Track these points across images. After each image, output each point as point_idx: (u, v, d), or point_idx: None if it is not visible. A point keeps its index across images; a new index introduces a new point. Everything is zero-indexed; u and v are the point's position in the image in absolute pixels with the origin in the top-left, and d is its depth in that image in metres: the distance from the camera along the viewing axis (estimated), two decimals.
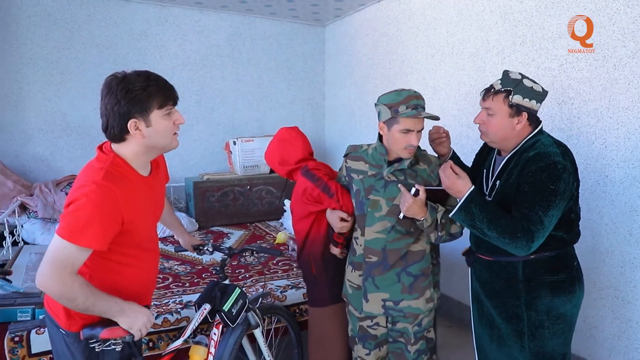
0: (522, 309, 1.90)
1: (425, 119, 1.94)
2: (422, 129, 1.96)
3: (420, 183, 1.97)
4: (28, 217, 3.95)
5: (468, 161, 3.38)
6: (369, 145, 2.19)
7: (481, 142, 2.34)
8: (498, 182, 1.91)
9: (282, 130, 2.55)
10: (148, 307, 1.92)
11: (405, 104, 1.90)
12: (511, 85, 1.81)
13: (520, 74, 1.85)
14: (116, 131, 1.57)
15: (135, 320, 1.61)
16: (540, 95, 1.84)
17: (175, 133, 1.68)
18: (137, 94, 1.54)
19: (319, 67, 5.87)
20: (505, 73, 1.86)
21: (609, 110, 2.64)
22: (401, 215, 1.94)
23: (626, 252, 2.63)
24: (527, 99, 1.81)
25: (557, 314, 1.88)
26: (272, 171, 2.70)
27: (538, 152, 1.78)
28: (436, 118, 1.92)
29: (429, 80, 3.96)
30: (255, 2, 4.75)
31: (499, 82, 1.86)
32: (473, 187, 1.81)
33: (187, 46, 5.03)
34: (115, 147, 1.64)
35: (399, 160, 2.02)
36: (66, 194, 4.06)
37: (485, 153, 2.17)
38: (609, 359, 2.76)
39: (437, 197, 1.98)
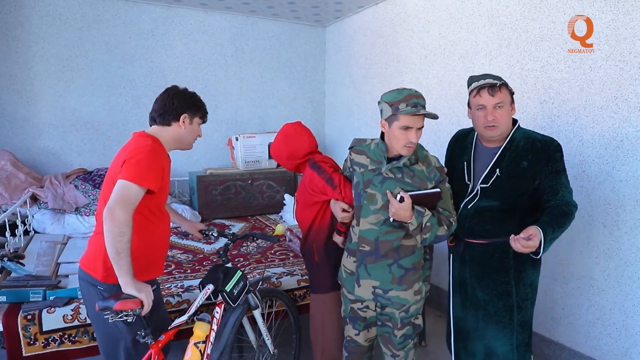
0: (511, 284, 2.14)
1: (426, 118, 2.03)
2: (422, 127, 2.03)
3: (417, 182, 2.08)
4: (39, 208, 4.12)
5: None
6: (372, 140, 2.26)
7: None
8: (498, 170, 2.10)
9: (287, 125, 2.63)
10: (155, 281, 2.23)
11: (406, 102, 1.97)
12: (499, 79, 2.07)
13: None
14: (170, 117, 2.14)
15: (143, 292, 1.86)
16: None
17: (195, 139, 2.27)
18: (197, 101, 2.23)
19: (320, 67, 6.03)
20: (483, 74, 2.11)
21: (586, 109, 2.80)
22: (391, 219, 2.06)
23: (601, 242, 2.79)
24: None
25: (534, 285, 2.18)
26: (278, 166, 2.80)
27: (532, 139, 2.09)
28: (435, 116, 1.99)
29: (422, 80, 4.13)
30: (257, 4, 4.92)
31: (491, 79, 2.06)
32: (538, 228, 1.92)
33: (192, 45, 5.20)
34: (156, 129, 2.16)
35: (399, 157, 2.10)
36: (75, 186, 4.27)
37: (460, 144, 2.36)
38: (585, 344, 2.92)
39: (430, 200, 2.06)
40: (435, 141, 3.97)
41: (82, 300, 2.57)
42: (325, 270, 2.55)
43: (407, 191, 2.01)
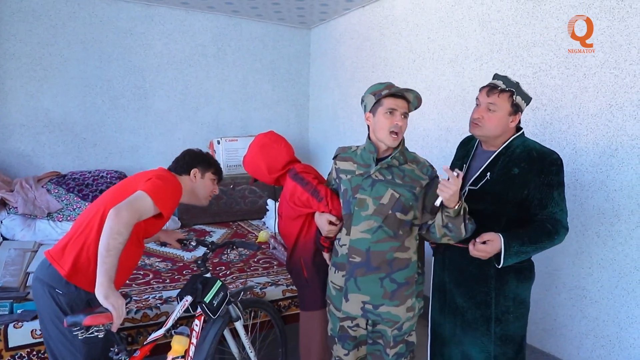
0: (491, 295, 2.03)
1: (409, 112, 2.02)
2: (407, 113, 2.00)
3: (408, 183, 2.01)
4: (8, 213, 3.92)
5: (446, 163, 3.48)
6: (357, 146, 2.22)
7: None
8: (489, 174, 2.04)
9: (260, 136, 2.50)
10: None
11: (388, 89, 1.99)
12: (513, 86, 1.98)
13: (516, 79, 2.05)
14: (182, 169, 2.29)
15: (114, 303, 1.75)
16: (529, 99, 2.05)
17: (210, 196, 2.39)
18: (207, 158, 2.38)
19: (304, 69, 5.93)
20: (504, 76, 2.03)
21: (579, 117, 2.75)
22: (438, 202, 1.87)
23: (594, 253, 2.73)
24: (523, 101, 2.01)
25: (520, 300, 2.05)
26: (255, 181, 2.65)
27: (529, 148, 2.00)
28: (418, 95, 2.01)
29: (410, 85, 4.04)
30: (241, 4, 4.79)
31: (501, 82, 2.00)
32: (500, 236, 1.90)
33: (172, 45, 5.05)
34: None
35: (387, 157, 2.04)
36: (48, 190, 4.08)
37: (464, 146, 2.33)
38: (577, 356, 2.86)
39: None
40: (424, 146, 3.90)
41: None
42: (316, 286, 2.43)
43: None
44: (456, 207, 1.85)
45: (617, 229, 2.61)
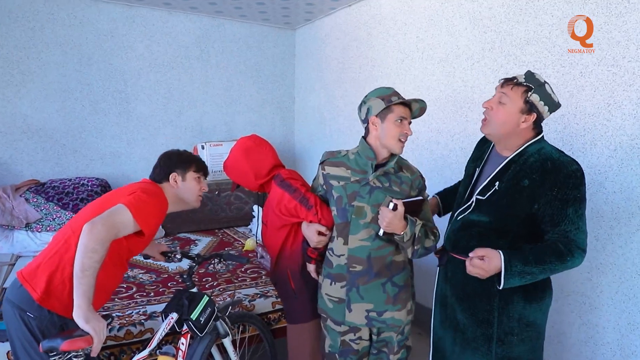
0: (494, 314, 1.87)
1: (411, 120, 2.02)
2: (410, 123, 2.00)
3: (405, 190, 2.01)
4: None
5: (436, 165, 3.38)
6: (347, 150, 2.14)
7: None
8: (497, 182, 1.86)
9: (243, 139, 2.39)
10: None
11: (397, 96, 1.96)
12: (534, 83, 1.80)
13: (544, 80, 1.84)
14: (161, 176, 2.12)
15: (93, 318, 1.64)
16: (555, 106, 1.82)
17: (199, 196, 2.20)
18: (184, 157, 2.17)
19: (289, 71, 5.81)
20: (531, 73, 1.85)
21: (576, 116, 2.67)
22: (381, 232, 1.92)
23: (593, 257, 2.64)
24: (542, 102, 1.79)
25: (528, 322, 1.86)
26: (238, 186, 2.53)
27: (544, 157, 1.78)
28: (424, 106, 2.02)
29: (398, 85, 3.95)
30: (224, 4, 4.66)
31: (523, 77, 1.84)
32: (500, 253, 1.74)
33: (154, 47, 4.91)
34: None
35: (385, 164, 2.02)
36: (26, 199, 3.91)
37: (480, 146, 2.14)
38: None
39: (415, 208, 1.98)
40: (413, 149, 3.80)
41: None
42: (304, 298, 2.32)
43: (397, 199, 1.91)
44: (402, 234, 1.90)
45: (617, 232, 2.53)
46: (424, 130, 3.73)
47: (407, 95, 3.79)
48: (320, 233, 2.10)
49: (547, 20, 2.77)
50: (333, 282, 2.08)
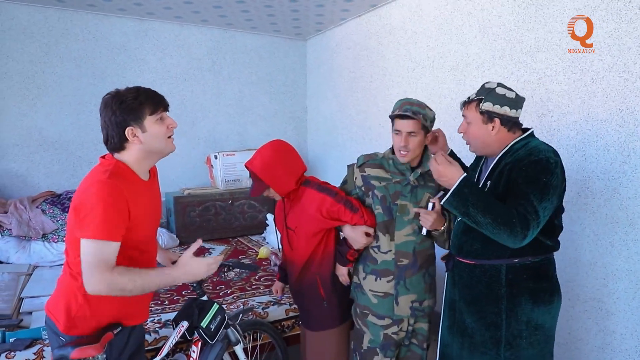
0: (502, 316, 1.87)
1: (424, 125, 2.11)
2: (413, 132, 2.07)
3: (437, 185, 2.16)
4: (2, 235, 3.81)
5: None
6: (382, 153, 2.29)
7: (462, 155, 2.35)
8: (489, 182, 1.90)
9: (276, 142, 2.32)
10: (140, 325, 1.99)
11: (399, 108, 2.09)
12: (483, 93, 1.87)
13: (498, 83, 1.88)
14: (116, 140, 1.71)
15: (197, 272, 1.74)
16: (513, 102, 1.85)
17: (169, 137, 1.80)
18: (129, 104, 1.68)
19: (301, 81, 5.86)
20: (482, 84, 1.92)
21: (588, 122, 2.66)
22: (424, 231, 2.11)
23: (608, 263, 2.63)
24: (497, 106, 1.83)
25: (536, 325, 1.87)
26: (260, 193, 2.42)
27: (529, 149, 1.81)
28: (416, 110, 2.07)
29: (410, 94, 3.96)
30: (235, 16, 4.72)
31: (474, 93, 1.92)
32: (465, 173, 1.82)
33: (167, 60, 4.98)
34: (117, 156, 1.76)
35: (419, 165, 2.19)
36: (42, 210, 3.97)
37: (477, 160, 2.18)
38: None
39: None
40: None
41: (46, 342, 2.36)
42: (333, 304, 2.35)
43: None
44: (442, 228, 2.11)
45: (632, 237, 2.51)
46: None
47: None
48: (367, 234, 2.18)
49: (557, 27, 2.78)
50: (378, 278, 2.20)
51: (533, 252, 1.83)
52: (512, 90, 1.87)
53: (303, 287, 2.39)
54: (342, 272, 2.30)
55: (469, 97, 1.94)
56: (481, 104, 1.85)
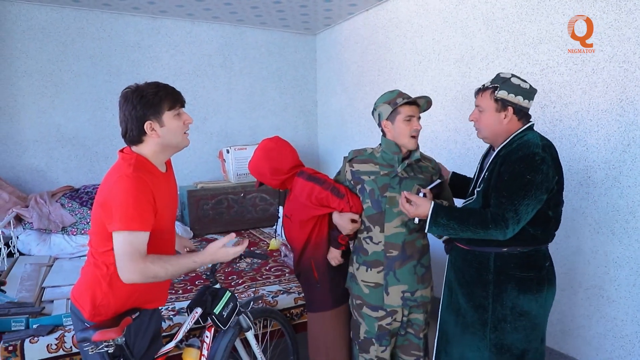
0: (488, 300, 1.98)
1: (420, 113, 2.20)
2: (420, 118, 2.19)
3: (427, 177, 2.24)
4: (23, 229, 3.96)
5: (454, 164, 3.45)
6: (372, 148, 2.33)
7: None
8: (487, 173, 1.98)
9: (265, 141, 2.51)
10: (157, 310, 2.08)
11: (401, 97, 2.17)
12: (499, 82, 1.94)
13: (511, 74, 1.96)
14: (135, 134, 1.78)
15: (222, 258, 1.90)
16: (527, 92, 1.92)
17: (185, 132, 1.89)
18: (150, 99, 1.75)
19: (310, 75, 5.93)
20: (498, 74, 1.99)
21: (589, 113, 2.70)
22: (416, 220, 2.05)
23: (610, 251, 2.67)
24: (512, 94, 1.91)
25: (521, 311, 1.94)
26: (261, 184, 2.63)
27: (521, 143, 1.88)
28: (429, 99, 2.21)
29: (416, 87, 4.02)
30: (245, 13, 4.81)
31: (489, 81, 1.99)
32: (433, 202, 1.95)
33: (179, 57, 5.08)
34: (134, 149, 1.83)
35: (408, 156, 2.22)
36: (62, 204, 4.11)
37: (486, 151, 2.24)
38: (596, 357, 2.80)
39: (436, 191, 2.18)
40: (432, 148, 3.86)
41: (67, 328, 2.47)
42: (326, 287, 2.44)
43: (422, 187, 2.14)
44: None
45: (633, 225, 2.56)
46: (442, 130, 3.79)
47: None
48: (353, 221, 2.25)
49: (558, 19, 2.82)
50: (369, 269, 2.24)
51: (522, 243, 1.91)
52: (526, 81, 1.95)
53: (301, 270, 2.52)
54: (334, 254, 2.38)
55: (483, 85, 2.01)
56: (496, 92, 1.92)
